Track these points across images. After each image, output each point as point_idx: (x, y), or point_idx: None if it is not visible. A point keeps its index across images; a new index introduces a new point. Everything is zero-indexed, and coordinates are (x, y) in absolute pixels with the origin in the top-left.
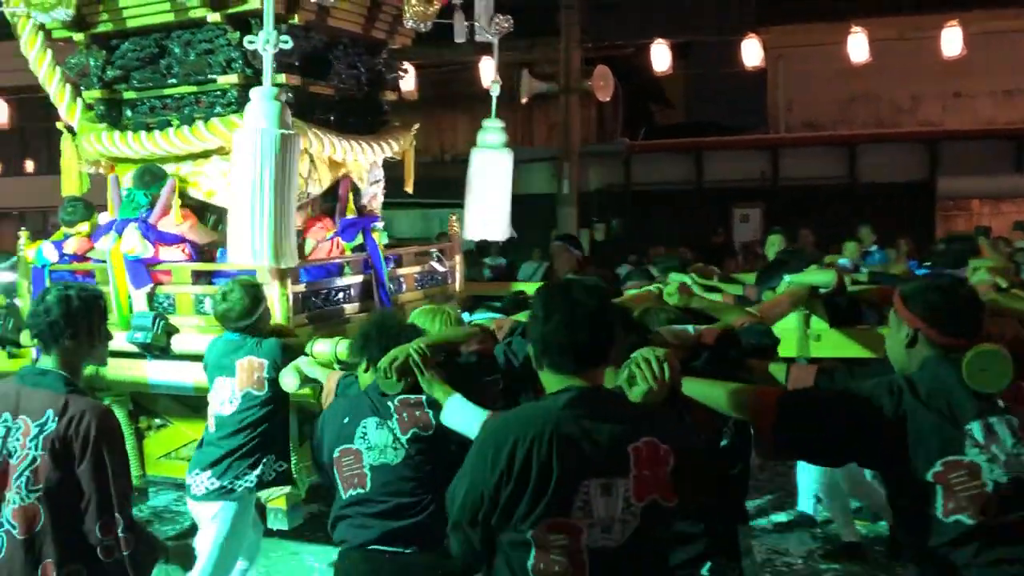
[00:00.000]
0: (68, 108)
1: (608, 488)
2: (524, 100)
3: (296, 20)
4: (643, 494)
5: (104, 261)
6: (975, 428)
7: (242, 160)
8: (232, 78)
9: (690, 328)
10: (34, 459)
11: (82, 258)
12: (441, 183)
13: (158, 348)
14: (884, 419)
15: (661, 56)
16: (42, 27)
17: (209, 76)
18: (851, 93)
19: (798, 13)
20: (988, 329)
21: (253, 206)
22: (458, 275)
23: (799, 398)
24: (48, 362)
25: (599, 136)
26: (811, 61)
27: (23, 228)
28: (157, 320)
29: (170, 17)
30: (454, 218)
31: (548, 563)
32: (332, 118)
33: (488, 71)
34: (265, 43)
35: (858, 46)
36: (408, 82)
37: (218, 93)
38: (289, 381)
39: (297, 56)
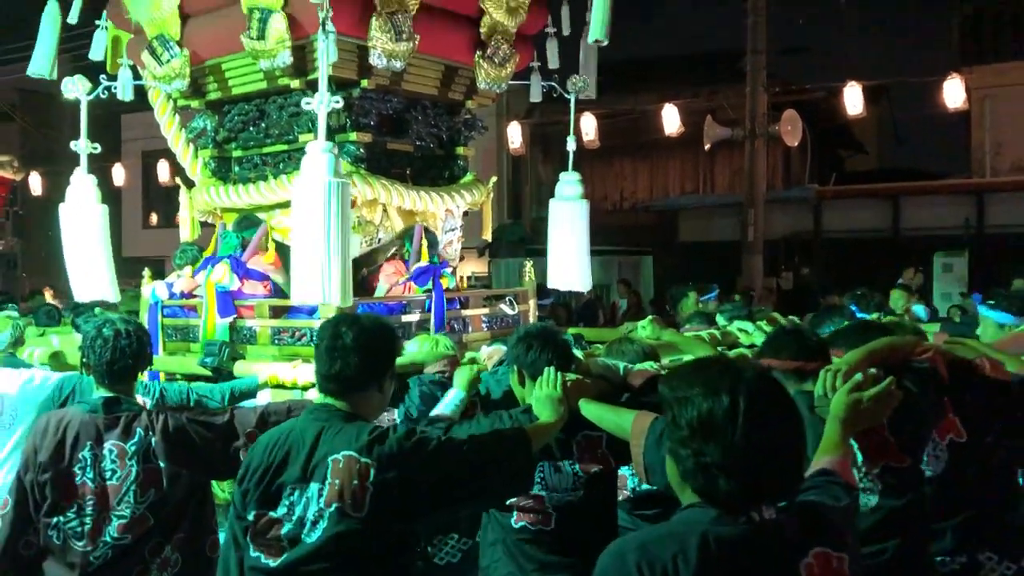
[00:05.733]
0: (191, 166)
1: None
2: (707, 146)
3: (366, 84)
4: None
5: None
6: None
7: (299, 205)
8: (312, 136)
9: (621, 366)
10: (137, 474)
11: (190, 295)
12: (621, 230)
13: (225, 371)
14: None
15: (854, 99)
16: (169, 96)
17: (296, 135)
18: None
19: (1006, 51)
20: None
21: (310, 248)
22: (531, 318)
23: None
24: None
25: (785, 182)
26: (1022, 101)
27: (146, 269)
28: (223, 347)
29: (265, 84)
30: (529, 265)
31: None
32: (408, 171)
33: (670, 118)
34: (319, 103)
35: None
36: (589, 130)
37: (303, 150)
38: None
39: (373, 116)
